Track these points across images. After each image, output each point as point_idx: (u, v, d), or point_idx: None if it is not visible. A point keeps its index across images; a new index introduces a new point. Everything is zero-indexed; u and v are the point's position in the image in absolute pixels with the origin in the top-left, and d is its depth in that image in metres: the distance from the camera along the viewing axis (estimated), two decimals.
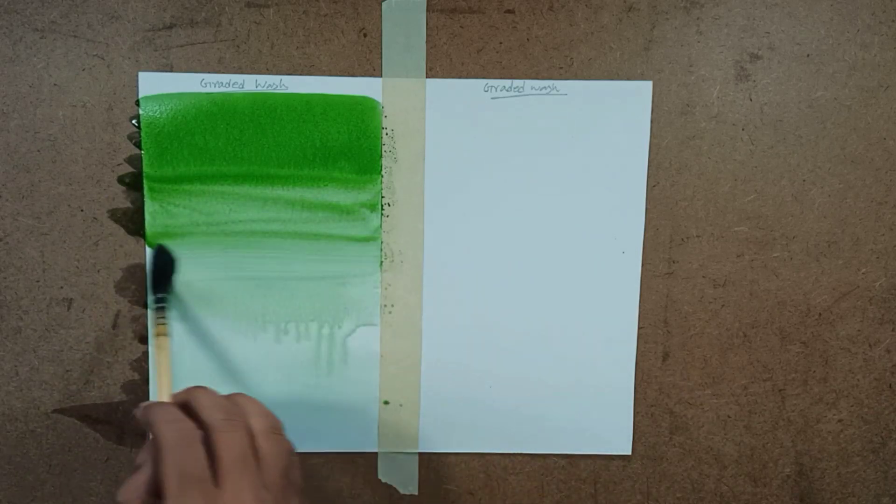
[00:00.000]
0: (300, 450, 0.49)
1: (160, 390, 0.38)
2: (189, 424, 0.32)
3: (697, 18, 0.46)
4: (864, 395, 0.49)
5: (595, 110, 0.46)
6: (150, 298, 0.44)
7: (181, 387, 0.36)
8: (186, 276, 0.47)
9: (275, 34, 0.46)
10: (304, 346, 0.48)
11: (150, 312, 0.47)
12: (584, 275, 0.48)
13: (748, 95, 0.47)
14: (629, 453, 0.49)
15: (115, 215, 0.46)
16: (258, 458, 0.33)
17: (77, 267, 0.47)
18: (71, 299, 0.47)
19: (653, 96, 0.46)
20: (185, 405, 0.35)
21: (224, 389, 0.48)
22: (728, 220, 0.47)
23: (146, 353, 0.47)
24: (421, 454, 0.49)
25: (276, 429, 0.34)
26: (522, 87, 0.46)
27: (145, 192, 0.46)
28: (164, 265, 0.45)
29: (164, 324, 0.42)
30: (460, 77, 0.46)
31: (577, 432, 0.49)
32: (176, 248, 0.46)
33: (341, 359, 0.48)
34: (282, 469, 0.33)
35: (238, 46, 0.45)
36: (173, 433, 0.32)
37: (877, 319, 0.48)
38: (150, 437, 0.33)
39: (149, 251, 0.46)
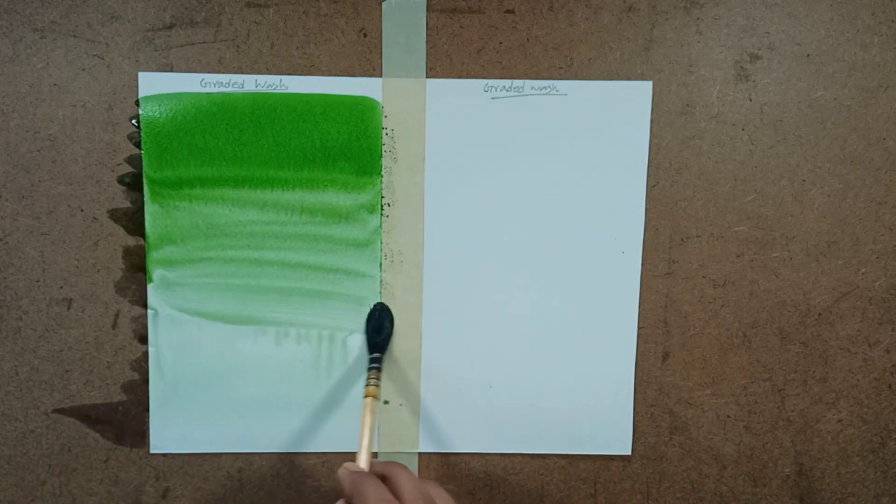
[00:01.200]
0: (301, 450, 0.49)
1: (360, 451, 0.38)
2: None
3: (697, 18, 0.46)
4: (864, 395, 0.49)
5: (595, 110, 0.46)
6: (367, 357, 0.44)
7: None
8: (186, 277, 0.47)
9: (275, 34, 0.45)
10: (304, 348, 0.48)
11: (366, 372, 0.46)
12: (583, 275, 0.48)
13: (748, 95, 0.47)
14: (629, 453, 0.49)
15: (115, 215, 0.46)
16: None
17: (77, 267, 0.47)
18: (71, 299, 0.47)
19: (653, 96, 0.46)
20: (382, 477, 0.36)
21: (225, 390, 0.48)
22: (728, 220, 0.47)
23: (146, 354, 0.47)
24: (421, 454, 0.49)
25: None
26: (522, 87, 0.46)
27: (146, 194, 0.46)
28: (383, 324, 0.45)
29: (376, 385, 0.42)
30: (460, 77, 0.46)
31: (577, 432, 0.49)
32: (176, 249, 0.46)
33: (341, 359, 0.48)
34: None
35: (238, 46, 0.45)
36: None
37: (877, 319, 0.48)
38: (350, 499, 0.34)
39: (367, 309, 0.46)
